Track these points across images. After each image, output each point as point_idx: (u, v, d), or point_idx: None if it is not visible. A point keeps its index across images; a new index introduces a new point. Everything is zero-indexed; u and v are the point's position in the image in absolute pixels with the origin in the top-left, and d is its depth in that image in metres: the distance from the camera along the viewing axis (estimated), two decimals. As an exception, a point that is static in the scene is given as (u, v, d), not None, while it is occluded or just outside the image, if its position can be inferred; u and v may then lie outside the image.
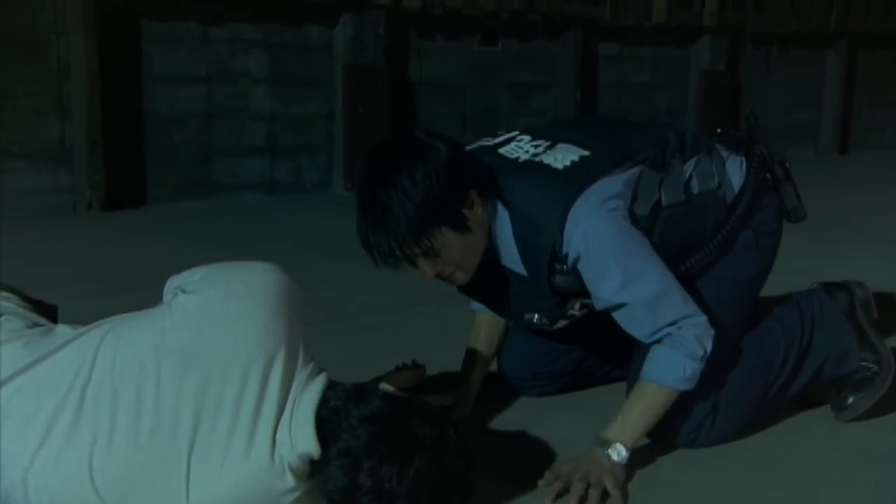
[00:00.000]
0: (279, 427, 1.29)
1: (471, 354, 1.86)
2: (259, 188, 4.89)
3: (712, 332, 1.53)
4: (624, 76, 6.28)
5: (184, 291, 1.36)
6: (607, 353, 1.89)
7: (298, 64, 4.94)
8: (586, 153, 1.58)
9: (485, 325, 1.86)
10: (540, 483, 1.49)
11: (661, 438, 1.65)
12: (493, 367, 1.91)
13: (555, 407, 1.89)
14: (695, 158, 1.67)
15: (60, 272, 3.02)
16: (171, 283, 1.42)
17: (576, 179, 1.53)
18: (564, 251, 1.51)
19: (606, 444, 1.51)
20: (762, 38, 6.83)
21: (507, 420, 1.83)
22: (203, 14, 4.58)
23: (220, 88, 4.71)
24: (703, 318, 1.53)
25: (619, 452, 1.50)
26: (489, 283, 1.63)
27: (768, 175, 1.79)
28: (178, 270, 1.45)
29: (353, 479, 1.27)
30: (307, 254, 3.46)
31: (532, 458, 1.63)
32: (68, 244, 3.63)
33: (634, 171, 1.58)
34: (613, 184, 1.54)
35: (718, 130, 1.85)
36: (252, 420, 1.27)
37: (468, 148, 1.67)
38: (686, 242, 1.67)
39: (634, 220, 1.55)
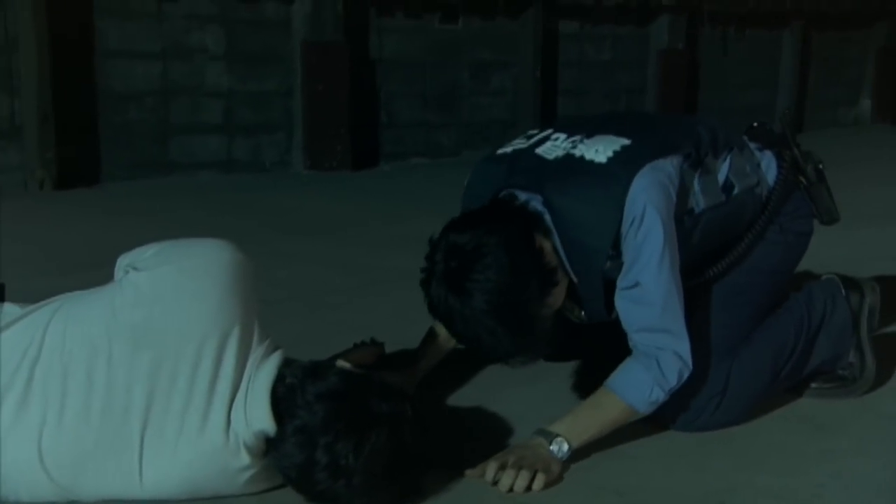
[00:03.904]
0: (234, 405, 1.29)
1: (426, 343, 1.84)
2: (217, 166, 4.82)
3: (691, 367, 1.52)
4: (584, 54, 6.29)
5: (135, 269, 1.35)
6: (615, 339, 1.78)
7: (256, 40, 4.87)
8: (627, 142, 1.56)
9: None
10: (468, 473, 1.46)
11: (656, 420, 1.63)
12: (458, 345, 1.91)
13: (511, 382, 1.90)
14: (727, 155, 1.66)
15: (10, 251, 2.95)
16: (122, 261, 1.40)
17: (624, 166, 1.51)
18: (623, 230, 1.49)
19: (550, 436, 1.48)
20: (720, 18, 6.90)
21: (464, 396, 1.84)
22: (157, -12, 4.49)
23: (176, 65, 4.62)
24: (688, 351, 1.51)
25: (560, 447, 1.46)
26: None
27: (801, 177, 1.77)
28: (133, 249, 1.43)
29: (309, 455, 1.27)
30: (266, 232, 3.43)
31: (488, 433, 1.65)
32: (19, 223, 3.55)
33: (679, 162, 1.56)
34: (665, 166, 1.53)
35: (755, 125, 1.83)
36: (206, 398, 1.27)
37: (501, 151, 1.64)
38: (721, 240, 1.68)
39: (678, 222, 1.55)
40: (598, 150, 1.55)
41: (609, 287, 1.55)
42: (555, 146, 1.61)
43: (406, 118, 5.46)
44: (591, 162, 1.54)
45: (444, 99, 5.61)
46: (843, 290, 1.82)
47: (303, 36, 4.93)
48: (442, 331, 1.84)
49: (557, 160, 1.58)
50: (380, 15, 5.28)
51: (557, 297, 1.52)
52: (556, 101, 6.16)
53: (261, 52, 4.89)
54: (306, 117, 4.98)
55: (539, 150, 1.62)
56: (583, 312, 1.62)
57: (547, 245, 1.51)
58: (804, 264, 1.87)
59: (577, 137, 1.61)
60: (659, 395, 1.51)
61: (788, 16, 7.25)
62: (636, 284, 1.50)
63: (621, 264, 1.52)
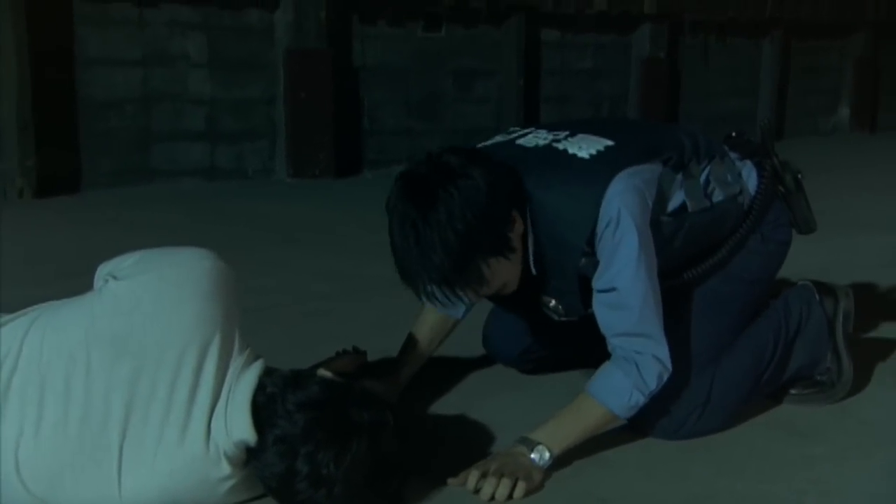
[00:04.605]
0: (214, 414, 1.28)
1: (407, 350, 1.84)
2: (199, 174, 4.80)
3: (670, 370, 1.52)
4: (567, 63, 6.32)
5: (115, 278, 1.34)
6: (595, 351, 1.75)
7: (238, 48, 4.86)
8: (610, 143, 1.56)
9: (428, 324, 1.84)
10: (450, 482, 1.45)
11: (639, 429, 1.64)
12: (439, 351, 1.91)
13: (495, 390, 1.91)
14: (708, 163, 1.67)
15: (-10, 261, 2.93)
16: (102, 270, 1.39)
17: (605, 166, 1.51)
18: (598, 230, 1.48)
19: (531, 444, 1.47)
20: (701, 27, 6.96)
21: (447, 404, 1.83)
22: (138, -5, 4.48)
23: (158, 72, 4.61)
24: (667, 354, 1.51)
25: (542, 455, 1.46)
26: None
27: (780, 186, 1.79)
28: (113, 257, 1.42)
29: (289, 465, 1.26)
30: (248, 240, 3.41)
31: (469, 442, 1.65)
32: (-2, 232, 3.52)
33: (658, 168, 1.57)
34: (644, 172, 1.53)
35: (733, 134, 1.84)
36: (186, 407, 1.26)
37: (482, 145, 1.65)
38: (703, 247, 1.68)
39: (657, 225, 1.55)
40: (581, 146, 1.56)
41: (584, 282, 1.55)
42: (536, 138, 1.62)
43: (389, 126, 5.46)
44: (574, 156, 1.54)
45: (427, 106, 5.62)
46: (817, 296, 1.83)
47: (286, 43, 4.92)
48: (422, 336, 1.84)
49: (538, 149, 1.58)
50: (363, 22, 5.28)
51: (501, 271, 1.49)
52: (539, 108, 6.18)
53: (244, 60, 4.89)
54: (289, 125, 4.98)
55: (520, 142, 1.63)
56: (560, 306, 1.62)
57: (519, 223, 1.51)
58: (784, 271, 1.88)
59: (559, 134, 1.62)
60: (639, 400, 1.51)
61: (768, 25, 7.32)
62: (613, 289, 1.51)
63: (596, 262, 1.52)
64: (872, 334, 2.27)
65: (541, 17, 6.01)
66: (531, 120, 6.04)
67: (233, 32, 4.83)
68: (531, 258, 1.55)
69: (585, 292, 1.55)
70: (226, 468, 1.28)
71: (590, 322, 1.58)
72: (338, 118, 5.13)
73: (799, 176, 1.81)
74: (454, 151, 1.50)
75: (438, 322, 1.85)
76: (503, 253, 1.48)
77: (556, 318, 1.64)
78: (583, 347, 1.82)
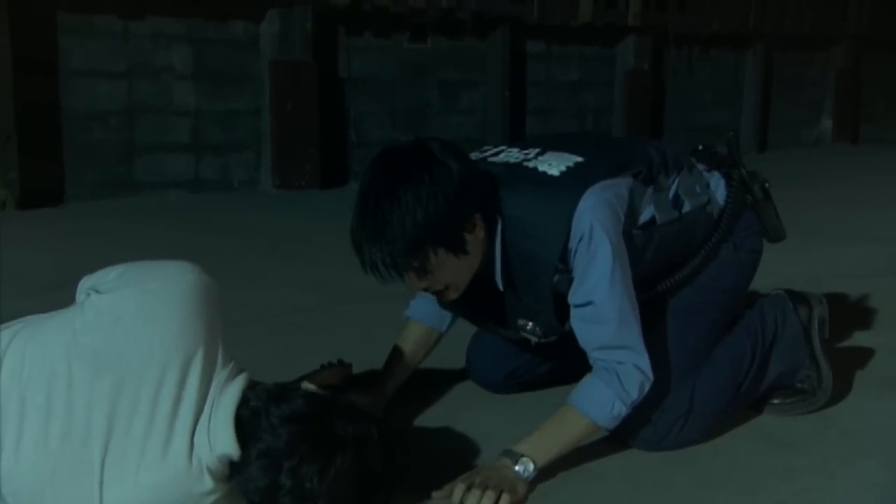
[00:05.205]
0: (197, 429, 1.27)
1: (392, 362, 1.84)
2: (184, 186, 4.79)
3: (652, 379, 1.53)
4: (552, 75, 6.36)
5: (97, 291, 1.33)
6: (576, 370, 1.71)
7: (224, 60, 4.86)
8: (580, 160, 1.58)
9: (413, 337, 1.85)
10: (435, 494, 1.46)
11: (622, 440, 1.64)
12: (424, 364, 1.91)
13: (479, 402, 1.91)
14: (676, 175, 1.69)
15: (-28, 273, 2.91)
16: (85, 283, 1.38)
17: (576, 182, 1.52)
18: (571, 245, 1.49)
19: (515, 456, 1.48)
20: (685, 39, 7.01)
21: (432, 416, 1.84)
22: (123, 7, 4.47)
23: (142, 84, 4.60)
24: (648, 363, 1.52)
25: (526, 467, 1.46)
26: (471, 293, 1.59)
27: (748, 196, 1.81)
28: (97, 270, 1.41)
29: (273, 479, 1.26)
30: (234, 252, 3.41)
31: (454, 454, 1.65)
32: (-19, 244, 3.50)
33: (628, 182, 1.58)
34: (615, 186, 1.54)
35: (700, 147, 1.86)
36: (169, 422, 1.25)
37: None
38: (674, 258, 1.70)
39: (629, 238, 1.55)
40: (552, 164, 1.58)
41: (559, 300, 1.55)
42: (508, 156, 1.64)
43: (375, 137, 5.47)
44: (544, 173, 1.56)
45: (413, 118, 5.63)
46: (791, 304, 1.85)
47: (271, 55, 4.93)
48: (407, 348, 1.84)
49: (508, 166, 1.60)
50: (349, 34, 5.30)
51: (448, 268, 1.50)
52: (524, 119, 6.21)
53: (229, 71, 4.88)
54: (275, 136, 4.98)
55: (491, 160, 1.64)
56: (537, 327, 1.62)
57: (480, 228, 1.51)
58: (768, 281, 1.90)
59: (530, 152, 1.63)
60: (621, 410, 1.51)
61: (751, 37, 7.40)
62: (590, 303, 1.51)
63: (571, 279, 1.53)
64: (854, 344, 2.28)
65: (526, 28, 6.04)
66: (516, 131, 6.07)
67: (218, 44, 4.83)
68: (498, 271, 1.56)
69: (561, 310, 1.56)
70: (209, 483, 1.27)
71: (569, 342, 1.58)
72: (323, 129, 5.13)
73: (766, 185, 1.84)
74: (441, 141, 1.52)
75: (423, 335, 1.86)
76: (454, 251, 1.49)
77: (534, 340, 1.65)
78: (565, 367, 1.83)
